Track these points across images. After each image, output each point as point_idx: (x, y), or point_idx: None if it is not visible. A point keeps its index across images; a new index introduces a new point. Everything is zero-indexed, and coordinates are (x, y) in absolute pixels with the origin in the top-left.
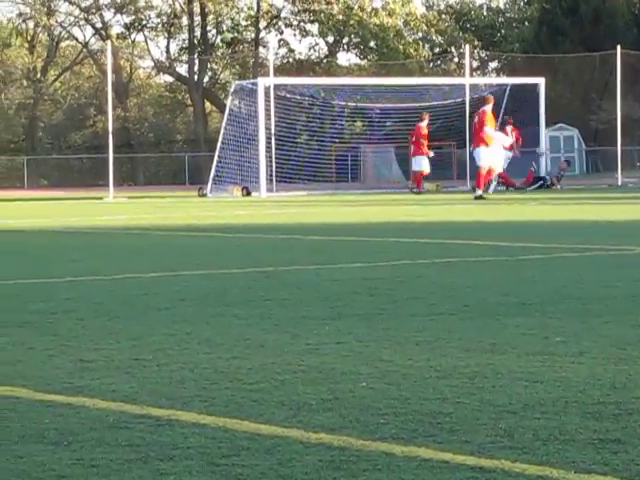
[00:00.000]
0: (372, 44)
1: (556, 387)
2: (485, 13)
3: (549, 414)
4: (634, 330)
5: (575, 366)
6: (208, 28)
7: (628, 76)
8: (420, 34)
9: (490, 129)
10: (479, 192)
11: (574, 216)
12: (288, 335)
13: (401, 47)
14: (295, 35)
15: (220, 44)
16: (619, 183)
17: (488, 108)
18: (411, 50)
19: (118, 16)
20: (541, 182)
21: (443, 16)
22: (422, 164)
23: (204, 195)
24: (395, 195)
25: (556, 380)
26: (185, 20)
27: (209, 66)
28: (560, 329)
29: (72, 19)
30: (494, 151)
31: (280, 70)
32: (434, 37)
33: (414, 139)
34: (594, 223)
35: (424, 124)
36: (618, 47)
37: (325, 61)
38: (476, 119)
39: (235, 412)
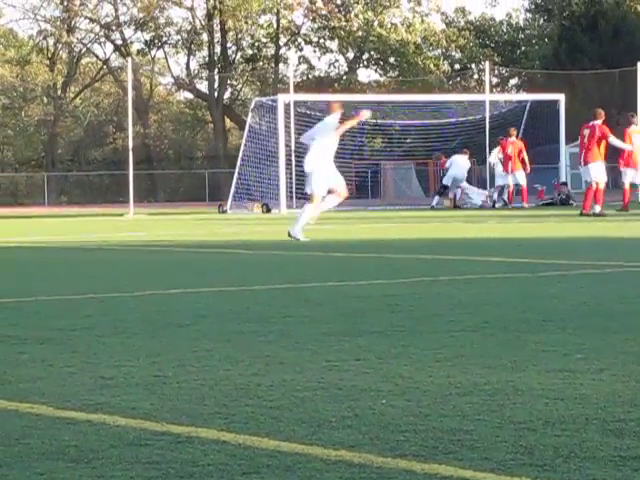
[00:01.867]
0: (392, 60)
1: (577, 404)
2: (505, 29)
3: (570, 431)
4: None
5: (596, 383)
6: (228, 45)
7: None
8: (440, 50)
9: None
10: (598, 208)
11: (594, 232)
12: (308, 352)
13: (421, 62)
14: (315, 52)
15: (240, 60)
16: None
17: (599, 122)
18: (431, 66)
19: (138, 33)
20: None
21: (463, 32)
22: (524, 178)
23: (224, 212)
24: (415, 212)
25: (577, 397)
26: (205, 37)
27: (229, 83)
28: (580, 346)
29: (92, 36)
30: (604, 166)
31: (300, 87)
32: (454, 53)
33: (511, 154)
34: (615, 239)
35: (514, 139)
36: (638, 64)
37: (345, 77)
38: (587, 132)
39: (255, 429)
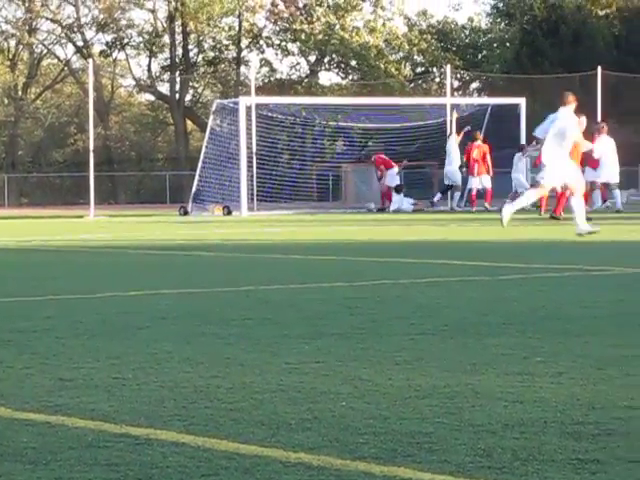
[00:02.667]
0: (353, 63)
1: (535, 407)
2: (467, 33)
3: (528, 434)
4: (613, 350)
5: (554, 386)
6: (190, 47)
7: (607, 97)
8: (402, 53)
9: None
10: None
11: (554, 236)
12: (268, 354)
13: (382, 66)
14: (277, 54)
15: (201, 63)
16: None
17: None
18: (392, 69)
19: (100, 34)
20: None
21: (425, 36)
22: (489, 181)
23: (185, 214)
24: (376, 215)
25: (535, 400)
26: (167, 39)
27: (190, 85)
28: (540, 349)
29: (54, 37)
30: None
31: (261, 89)
32: (416, 56)
33: (477, 158)
34: (573, 243)
35: (479, 143)
36: (599, 68)
37: (306, 80)
38: None
39: (214, 431)
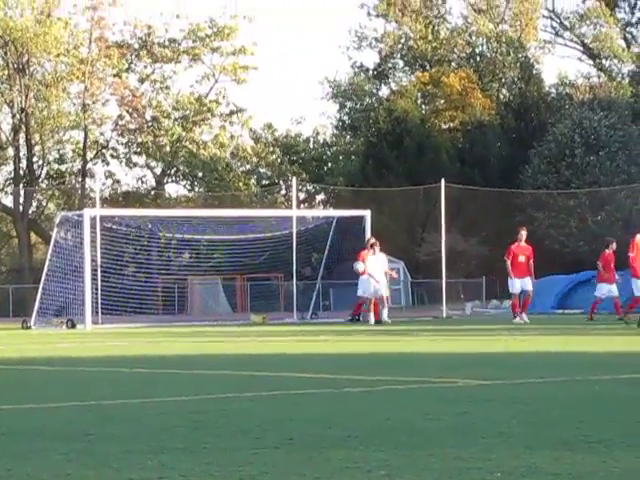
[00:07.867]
0: (200, 175)
1: None
2: (312, 146)
3: None
4: (457, 463)
5: None
6: (34, 159)
7: (451, 209)
8: (248, 166)
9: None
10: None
11: (400, 348)
12: (111, 470)
13: (230, 179)
14: (122, 167)
15: (46, 175)
16: (444, 315)
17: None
18: (239, 182)
19: None
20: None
21: (270, 148)
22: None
23: (28, 327)
24: (222, 327)
25: None
26: (11, 151)
27: (35, 197)
28: (384, 462)
29: None
30: None
31: (107, 201)
32: (262, 169)
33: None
34: (419, 355)
35: None
36: (442, 180)
37: (153, 192)
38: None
39: None
